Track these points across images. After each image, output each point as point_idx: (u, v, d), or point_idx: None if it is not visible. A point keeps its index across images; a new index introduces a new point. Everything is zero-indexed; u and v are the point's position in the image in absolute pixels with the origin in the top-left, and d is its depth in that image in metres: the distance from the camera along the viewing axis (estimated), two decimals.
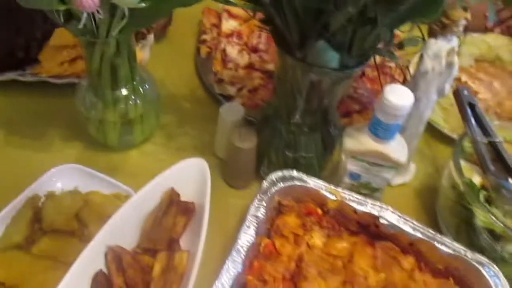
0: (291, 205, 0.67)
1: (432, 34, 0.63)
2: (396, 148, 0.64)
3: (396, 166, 0.65)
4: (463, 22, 0.61)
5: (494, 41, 1.07)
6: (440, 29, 0.62)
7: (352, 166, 0.66)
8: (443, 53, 0.63)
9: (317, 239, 0.65)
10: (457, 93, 0.71)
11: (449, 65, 0.63)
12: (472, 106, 0.71)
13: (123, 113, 0.72)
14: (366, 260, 0.64)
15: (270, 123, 0.70)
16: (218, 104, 0.79)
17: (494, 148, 0.67)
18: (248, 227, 0.62)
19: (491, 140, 0.67)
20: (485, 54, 1.03)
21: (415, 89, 0.67)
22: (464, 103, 0.70)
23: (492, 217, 0.60)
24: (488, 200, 0.64)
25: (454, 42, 0.63)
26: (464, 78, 0.96)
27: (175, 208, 0.66)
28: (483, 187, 0.65)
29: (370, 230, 0.66)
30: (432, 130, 0.86)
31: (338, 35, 0.53)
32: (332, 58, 0.55)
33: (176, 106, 0.86)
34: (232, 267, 0.57)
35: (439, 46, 0.63)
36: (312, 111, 0.66)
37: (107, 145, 0.76)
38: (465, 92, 0.71)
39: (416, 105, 0.69)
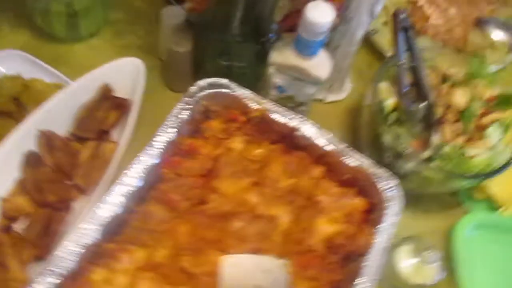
0: (218, 111, 0.72)
1: None
2: (318, 65, 0.66)
3: (318, 82, 0.68)
4: None
5: None
6: None
7: (277, 78, 0.70)
8: None
9: (237, 143, 0.70)
10: (393, 16, 0.72)
11: None
12: (406, 30, 0.72)
13: (67, 4, 0.74)
14: (280, 166, 0.70)
15: (207, 30, 0.72)
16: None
17: (415, 73, 0.70)
18: (168, 126, 0.66)
19: (413, 65, 0.69)
20: None
21: (346, 8, 0.68)
22: (398, 26, 0.72)
23: (395, 136, 0.65)
24: (400, 121, 0.69)
25: None
26: (422, 1, 0.95)
27: (108, 102, 0.71)
28: (396, 108, 0.69)
29: (288, 140, 0.71)
30: (376, 52, 0.88)
31: None
32: None
33: (127, 3, 0.87)
34: (148, 159, 0.63)
35: None
36: (247, 21, 0.68)
37: (54, 36, 0.79)
38: (401, 16, 0.72)
39: (348, 25, 0.71)
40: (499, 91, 0.73)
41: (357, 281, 0.58)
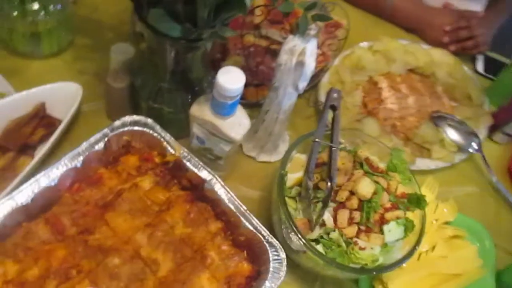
0: (138, 148, 0.75)
1: (292, 30, 0.66)
2: (232, 125, 0.69)
3: (232, 141, 0.71)
4: (314, 27, 0.64)
5: (440, 57, 1.06)
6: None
7: (196, 130, 0.72)
8: (296, 51, 0.66)
9: (146, 183, 0.73)
10: (327, 93, 0.75)
11: (300, 64, 0.66)
12: (335, 109, 0.74)
13: (32, 23, 0.80)
14: (180, 213, 0.72)
15: (142, 73, 0.75)
16: (137, 41, 0.85)
17: (330, 153, 0.71)
18: (79, 154, 0.69)
19: (330, 145, 0.70)
20: (423, 67, 1.03)
21: (275, 77, 0.71)
22: (327, 103, 0.74)
23: (287, 210, 0.66)
24: (300, 196, 0.70)
25: (312, 44, 0.66)
26: (383, 83, 0.97)
27: (38, 120, 0.75)
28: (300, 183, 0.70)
29: (196, 191, 0.73)
30: None
31: (170, 4, 0.57)
32: (172, 27, 0.60)
33: (97, 31, 0.93)
34: (45, 180, 0.66)
35: (295, 43, 0.66)
36: (175, 72, 0.72)
37: (16, 50, 0.85)
38: (334, 95, 0.74)
39: (275, 93, 0.73)
40: (413, 190, 0.73)
41: None
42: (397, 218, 0.69)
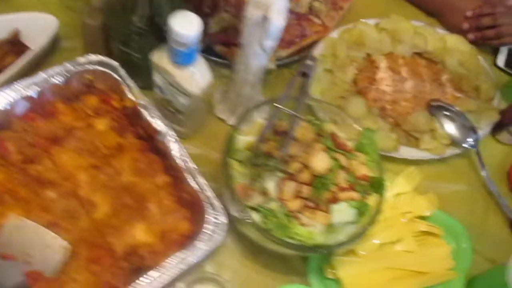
0: (100, 89, 0.73)
1: None
2: (189, 77, 0.66)
3: (189, 95, 0.67)
4: None
5: (454, 44, 0.97)
6: None
7: (157, 79, 0.70)
8: (262, 5, 0.61)
9: (101, 125, 0.72)
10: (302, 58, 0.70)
11: (265, 20, 0.62)
12: (306, 76, 0.69)
13: None
14: (130, 161, 0.70)
15: (114, 12, 0.73)
16: None
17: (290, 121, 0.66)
18: (35, 83, 0.69)
19: (293, 113, 0.66)
20: (433, 52, 0.95)
21: (241, 34, 0.67)
22: (300, 70, 0.69)
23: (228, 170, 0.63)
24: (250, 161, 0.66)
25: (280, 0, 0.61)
26: (382, 63, 0.90)
27: (10, 46, 0.75)
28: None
29: (150, 141, 0.71)
30: None
31: None
32: None
33: None
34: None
35: None
36: (145, 15, 0.69)
37: None
38: (309, 62, 0.69)
39: (243, 51, 0.69)
40: (376, 174, 0.67)
41: None
42: (351, 199, 0.64)
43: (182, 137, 0.78)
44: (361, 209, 0.65)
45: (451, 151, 0.86)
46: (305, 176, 0.64)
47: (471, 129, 0.87)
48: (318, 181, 0.64)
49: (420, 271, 0.75)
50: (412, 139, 0.85)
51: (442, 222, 0.80)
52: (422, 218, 0.80)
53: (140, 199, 0.68)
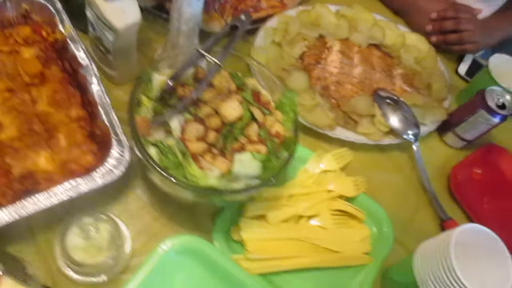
0: (34, 20, 0.73)
1: None
2: (115, 11, 0.65)
3: (114, 30, 0.67)
4: None
5: (413, 42, 0.97)
6: None
7: (89, 12, 0.70)
8: None
9: (27, 54, 0.71)
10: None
11: None
12: (236, 29, 0.68)
13: None
14: (48, 92, 0.69)
15: None
16: None
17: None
18: None
19: (215, 62, 0.64)
20: (390, 46, 0.94)
21: None
22: (233, 22, 0.68)
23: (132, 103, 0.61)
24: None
25: None
26: (335, 46, 0.90)
27: None
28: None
29: (74, 76, 0.70)
30: None
31: None
32: None
33: None
34: None
35: None
36: None
37: None
38: (242, 17, 0.69)
39: None
40: (290, 135, 0.66)
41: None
42: (257, 152, 0.62)
43: (114, 82, 0.78)
44: (266, 164, 0.62)
45: (389, 140, 0.84)
46: (214, 122, 0.62)
47: (413, 123, 0.86)
48: (226, 129, 0.62)
49: (332, 249, 0.72)
50: (351, 122, 0.84)
51: (366, 206, 0.77)
52: (347, 199, 0.77)
53: (50, 129, 0.67)
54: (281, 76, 0.82)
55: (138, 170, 0.72)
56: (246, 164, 0.61)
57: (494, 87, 0.84)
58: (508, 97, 0.83)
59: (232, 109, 0.62)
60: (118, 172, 0.63)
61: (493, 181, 0.91)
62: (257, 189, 0.61)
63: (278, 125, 0.66)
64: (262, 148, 0.62)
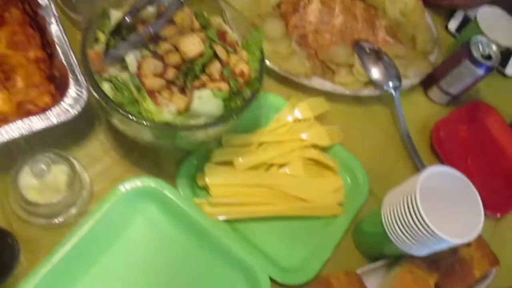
0: None
1: None
2: None
3: None
4: None
5: None
6: None
7: None
8: None
9: None
10: None
11: None
12: None
13: None
14: (7, 34, 0.66)
15: None
16: None
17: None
18: None
19: None
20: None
21: None
22: None
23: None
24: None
25: None
26: None
27: None
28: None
29: (34, 18, 0.68)
30: None
31: None
32: None
33: None
34: None
35: None
36: None
37: None
38: None
39: None
40: (255, 75, 0.63)
41: None
42: (218, 89, 0.59)
43: (79, 28, 0.75)
44: (228, 104, 0.60)
45: (368, 91, 0.81)
46: (173, 58, 0.59)
47: (395, 75, 0.82)
48: (186, 66, 0.59)
49: (302, 197, 0.69)
50: (329, 72, 0.80)
51: (341, 157, 0.75)
52: (321, 150, 0.74)
53: (7, 71, 0.64)
54: (255, 23, 0.79)
55: (102, 116, 0.70)
56: (206, 101, 0.58)
57: (480, 37, 0.80)
58: (494, 47, 0.79)
59: (192, 45, 0.59)
60: (74, 112, 0.61)
61: (479, 139, 0.87)
62: (216, 126, 0.58)
63: (243, 64, 0.62)
64: (224, 86, 0.60)
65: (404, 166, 0.80)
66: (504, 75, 0.98)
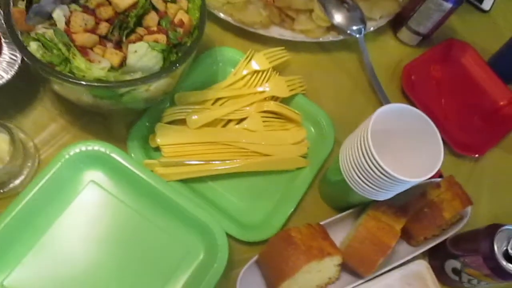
0: None
1: None
2: None
3: None
4: None
5: None
6: None
7: None
8: None
9: None
10: None
11: None
12: None
13: None
14: None
15: None
16: None
17: None
18: None
19: None
20: None
21: None
22: None
23: None
24: None
25: None
26: None
27: None
28: None
29: None
30: None
31: None
32: None
33: None
34: None
35: None
36: None
37: None
38: None
39: None
40: (196, 24, 0.59)
41: None
42: (155, 41, 0.56)
43: None
44: (168, 56, 0.56)
45: (331, 36, 0.77)
46: (105, 12, 0.56)
47: (360, 18, 0.77)
48: (119, 19, 0.56)
49: (262, 152, 0.66)
50: (288, 20, 0.76)
51: (304, 108, 0.71)
52: (283, 101, 0.71)
53: None
54: None
55: (47, 82, 0.67)
56: (142, 55, 0.55)
57: None
58: None
59: None
60: (8, 76, 0.58)
61: (454, 79, 0.83)
62: (154, 79, 0.54)
63: (182, 13, 0.59)
64: (161, 38, 0.56)
65: (373, 112, 0.76)
66: (481, 10, 0.92)
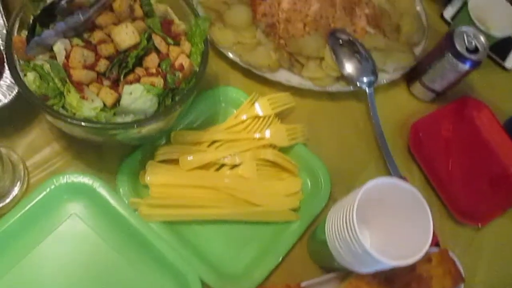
0: None
1: None
2: None
3: None
4: None
5: None
6: None
7: None
8: None
9: None
10: None
11: None
12: None
13: None
14: None
15: None
16: None
17: None
18: None
19: None
20: None
21: None
22: None
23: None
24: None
25: None
26: None
27: None
28: None
29: None
30: None
31: None
32: None
33: None
34: None
35: None
36: None
37: None
38: None
39: None
40: (198, 68, 0.58)
41: None
42: (152, 84, 0.55)
43: None
44: (162, 99, 0.56)
45: (339, 87, 0.75)
46: (106, 48, 0.55)
47: (370, 70, 0.75)
48: (119, 58, 0.55)
49: (250, 201, 0.65)
50: (298, 65, 0.75)
51: (302, 157, 0.70)
52: (281, 150, 0.69)
53: None
54: (219, 10, 0.74)
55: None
56: (137, 97, 0.54)
57: (466, 27, 0.72)
58: (483, 39, 0.71)
59: (125, 34, 0.55)
60: (5, 100, 0.58)
61: (465, 140, 0.80)
62: (145, 124, 0.54)
63: (183, 57, 0.58)
64: (158, 81, 0.55)
65: (375, 169, 0.74)
66: (503, 67, 0.89)
